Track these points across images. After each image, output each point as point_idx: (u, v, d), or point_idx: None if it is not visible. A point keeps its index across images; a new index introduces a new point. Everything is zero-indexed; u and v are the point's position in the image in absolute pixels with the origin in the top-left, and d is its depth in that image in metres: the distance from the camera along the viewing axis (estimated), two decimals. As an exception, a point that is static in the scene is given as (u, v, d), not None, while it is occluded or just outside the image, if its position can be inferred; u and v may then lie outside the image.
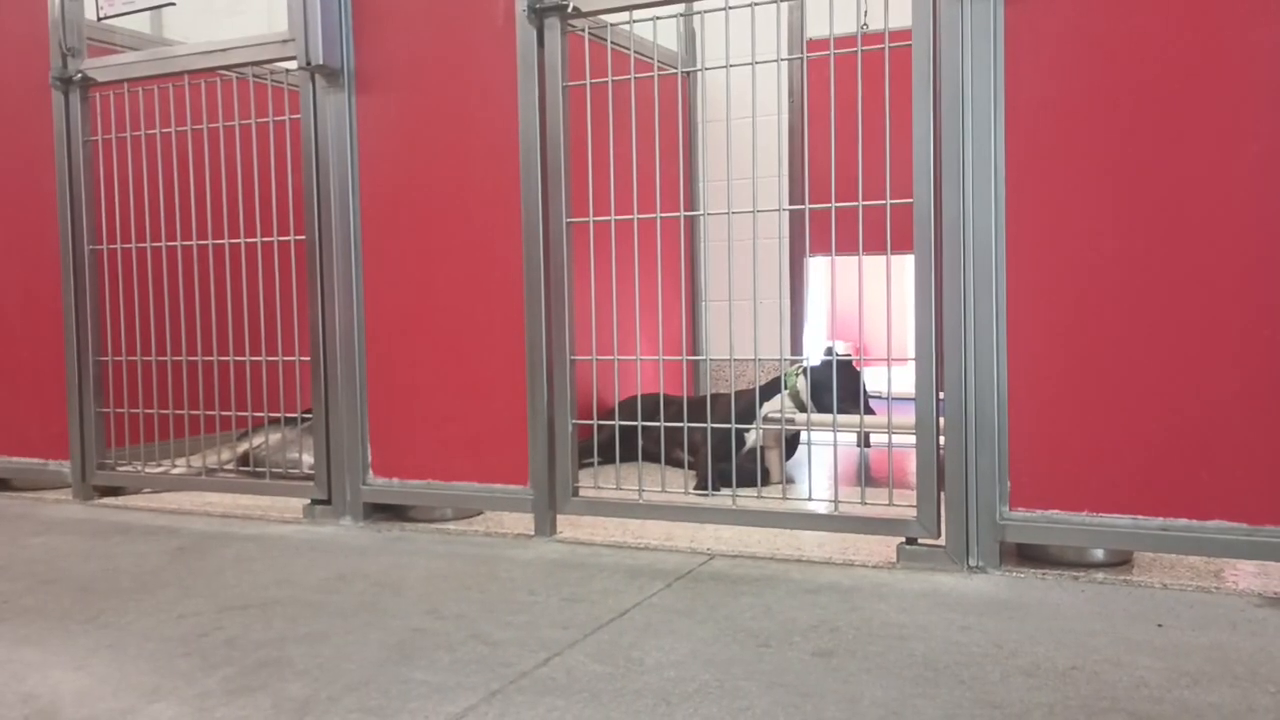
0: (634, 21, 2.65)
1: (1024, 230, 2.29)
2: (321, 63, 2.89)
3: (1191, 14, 2.13)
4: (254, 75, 3.20)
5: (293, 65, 3.01)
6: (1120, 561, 2.35)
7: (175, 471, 3.41)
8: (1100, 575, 2.27)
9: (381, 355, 2.98)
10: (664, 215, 2.69)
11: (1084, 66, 2.22)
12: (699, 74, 4.59)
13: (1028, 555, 2.39)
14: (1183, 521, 2.18)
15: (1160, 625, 1.94)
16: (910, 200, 2.35)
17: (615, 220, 2.71)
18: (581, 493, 2.77)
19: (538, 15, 2.68)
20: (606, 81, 2.72)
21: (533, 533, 2.79)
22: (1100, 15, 2.20)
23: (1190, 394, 2.17)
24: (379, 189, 2.96)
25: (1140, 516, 2.21)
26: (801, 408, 3.45)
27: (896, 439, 2.51)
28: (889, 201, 2.40)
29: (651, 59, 3.35)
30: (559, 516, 2.81)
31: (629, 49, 2.73)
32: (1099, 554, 2.33)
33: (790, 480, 3.53)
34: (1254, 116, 2.09)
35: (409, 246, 2.93)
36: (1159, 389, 2.19)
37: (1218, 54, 2.11)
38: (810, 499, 2.88)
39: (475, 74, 2.81)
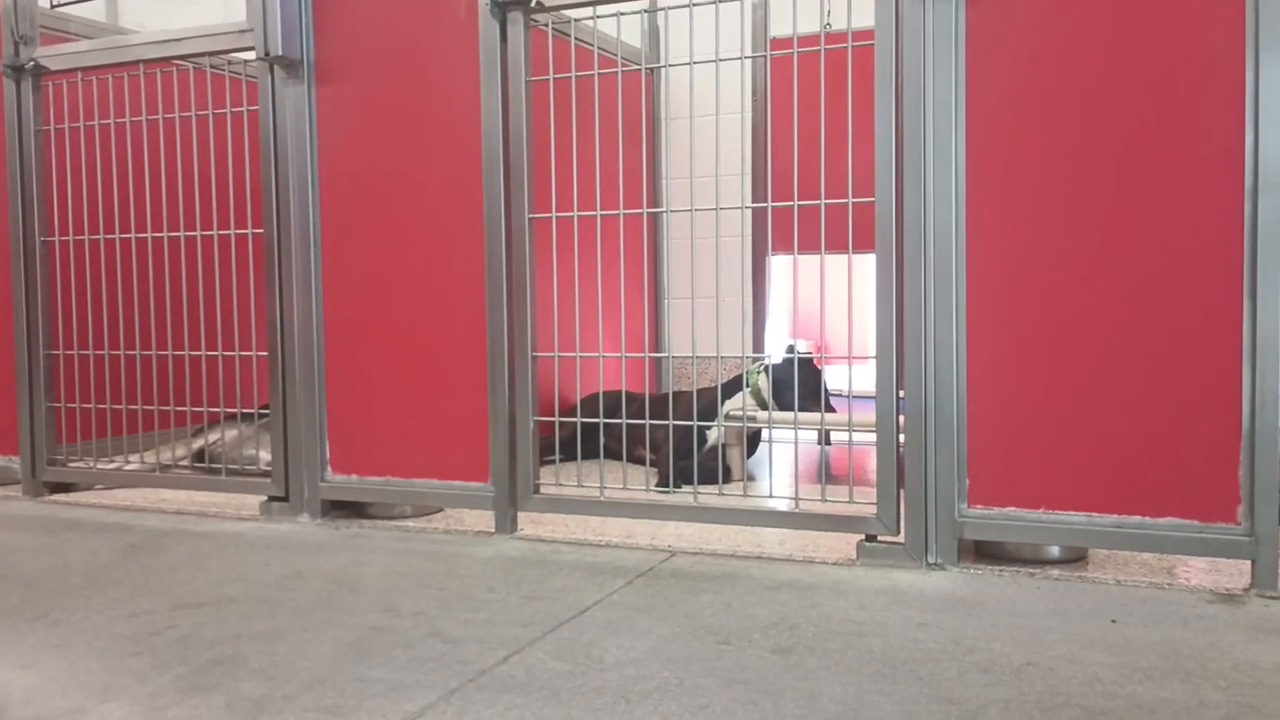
0: (598, 17, 2.64)
1: (983, 230, 2.31)
2: (281, 53, 2.85)
3: (1146, 17, 2.16)
4: (211, 65, 3.15)
5: (251, 56, 2.96)
6: (1075, 558, 2.38)
7: (129, 468, 3.35)
8: (1056, 572, 2.30)
9: (341, 351, 2.95)
10: (627, 212, 2.69)
11: (1042, 67, 2.24)
12: (663, 71, 4.59)
13: (985, 552, 2.41)
14: (1136, 519, 2.21)
15: (1114, 621, 1.97)
16: (872, 199, 2.36)
17: (578, 216, 2.70)
18: (543, 490, 2.76)
19: (501, 9, 2.66)
20: (570, 77, 2.71)
21: (493, 530, 2.77)
22: (1058, 18, 2.22)
23: (1146, 394, 2.19)
24: (339, 182, 2.93)
25: (1095, 514, 2.24)
26: (763, 405, 3.46)
27: (857, 437, 2.53)
28: (851, 200, 2.41)
29: (615, 55, 3.34)
30: (520, 514, 2.79)
31: (593, 45, 2.72)
32: (1055, 551, 2.36)
33: (751, 478, 3.54)
34: (1208, 118, 2.12)
35: (369, 241, 2.90)
36: (1116, 388, 2.22)
37: (1172, 58, 2.14)
38: (771, 496, 2.88)
39: (438, 67, 2.78)
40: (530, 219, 2.70)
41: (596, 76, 2.66)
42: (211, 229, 3.22)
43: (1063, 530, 2.27)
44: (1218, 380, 2.14)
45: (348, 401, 2.95)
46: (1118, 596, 2.13)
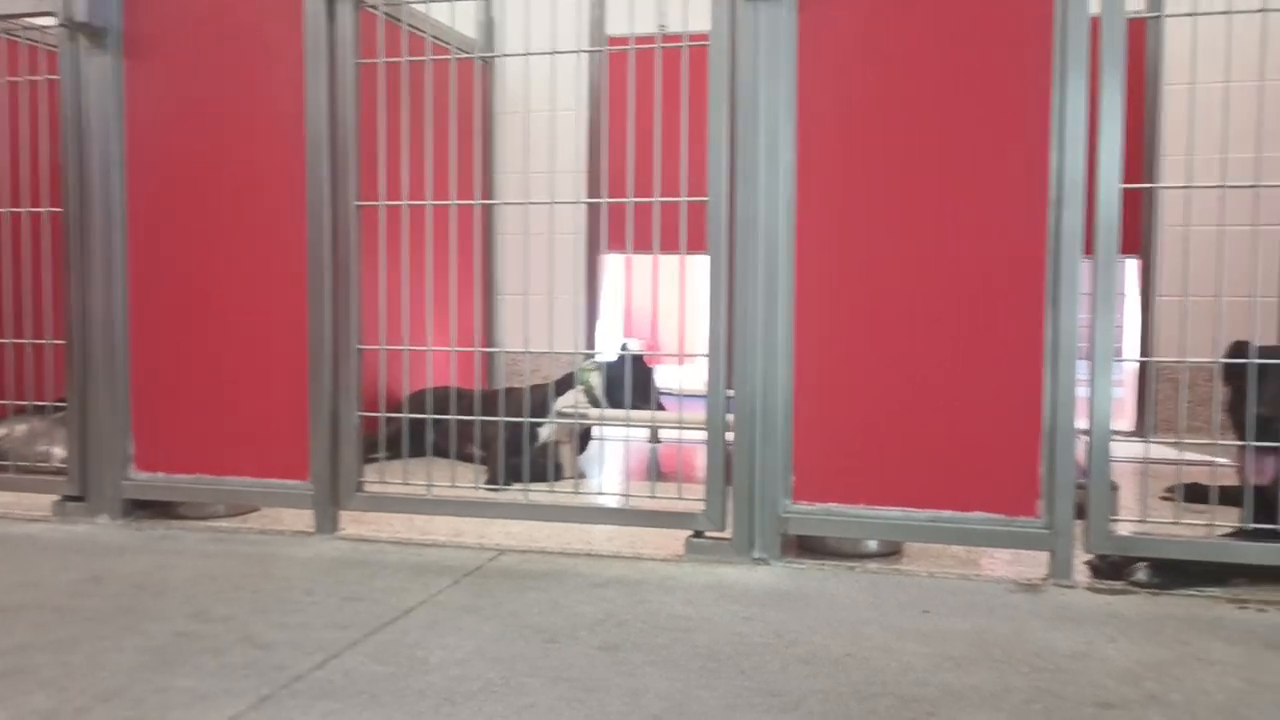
0: (431, 2, 2.56)
1: (812, 233, 2.37)
2: (85, 20, 2.65)
3: (964, 34, 2.26)
4: (5, 31, 2.90)
5: (51, 22, 2.74)
6: (892, 552, 2.47)
7: (-99, 465, 3.05)
8: (874, 565, 2.38)
9: (147, 340, 2.76)
10: (459, 203, 2.63)
11: (868, 75, 2.32)
12: (498, 63, 4.52)
13: (808, 547, 2.48)
14: (948, 513, 2.31)
15: (927, 612, 2.05)
16: (705, 199, 2.38)
17: (408, 205, 2.62)
18: (366, 488, 2.67)
19: (329, -13, 2.55)
20: (401, 61, 2.62)
21: (313, 530, 2.66)
22: (883, 28, 2.30)
23: (958, 394, 2.30)
24: (150, 161, 2.74)
25: (911, 509, 2.33)
26: (595, 403, 3.46)
27: (687, 435, 2.55)
28: (685, 199, 2.43)
29: (448, 44, 3.27)
30: (342, 512, 2.69)
31: (425, 32, 2.65)
32: (873, 545, 2.45)
33: (582, 475, 3.53)
34: (1019, 133, 2.24)
35: (182, 224, 2.73)
36: (931, 389, 2.31)
37: (988, 73, 2.25)
38: (601, 493, 2.88)
39: (261, 45, 2.65)
40: (357, 206, 2.61)
41: (429, 63, 2.58)
42: (2, 206, 2.96)
43: (881, 525, 2.35)
44: (1022, 382, 2.26)
45: (155, 394, 2.77)
46: (930, 588, 2.22)
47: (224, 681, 1.65)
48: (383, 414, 2.76)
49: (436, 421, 3.45)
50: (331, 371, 2.63)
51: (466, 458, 3.58)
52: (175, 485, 2.76)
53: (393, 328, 2.72)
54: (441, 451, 3.53)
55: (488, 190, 4.53)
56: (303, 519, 2.73)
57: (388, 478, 2.68)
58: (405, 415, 2.76)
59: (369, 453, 3.02)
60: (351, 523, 2.73)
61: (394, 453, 3.30)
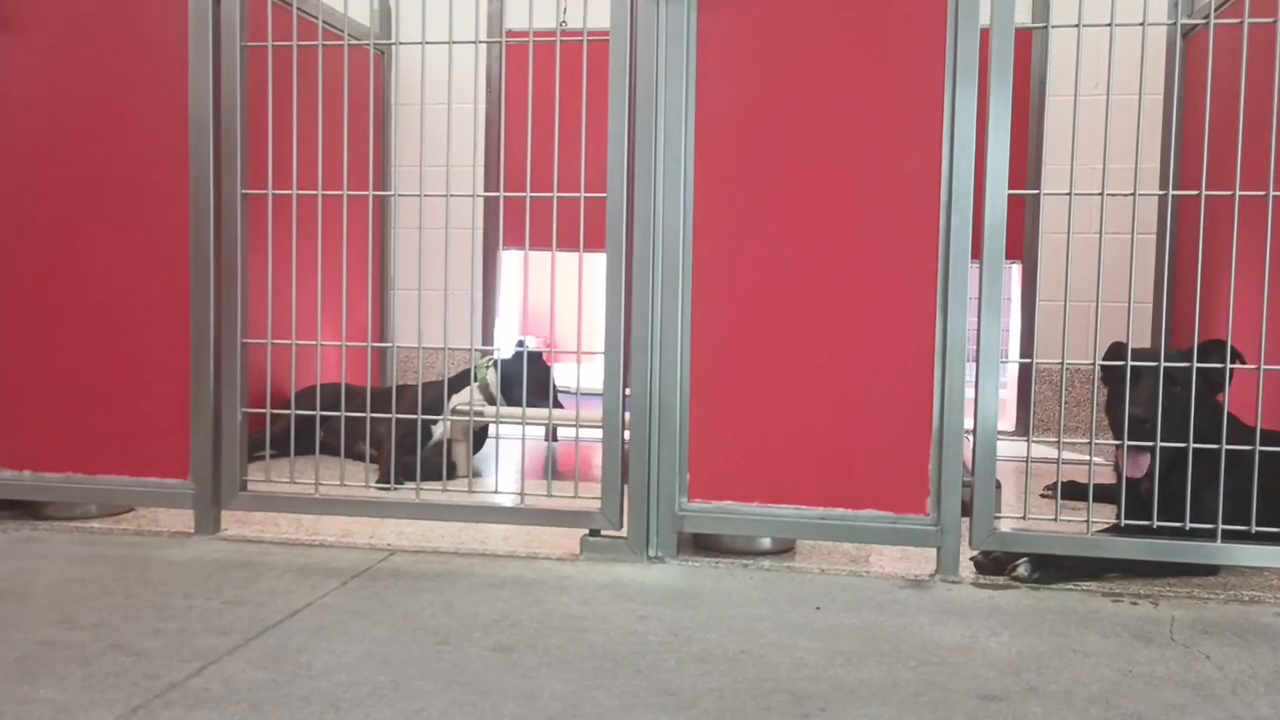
0: (324, -14, 2.49)
1: (709, 232, 2.37)
2: (-53, -9, 2.49)
3: (861, 37, 2.29)
4: None
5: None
6: (785, 549, 2.50)
7: None
8: (767, 563, 2.40)
9: (10, 331, 2.61)
10: (351, 193, 2.55)
11: (767, 76, 2.33)
12: (393, 52, 4.43)
13: (703, 545, 2.48)
14: (839, 511, 2.35)
15: (818, 608, 2.08)
16: (604, 195, 2.37)
17: (297, 195, 2.54)
18: (250, 487, 2.57)
19: (215, -33, 2.45)
20: (291, 46, 2.54)
21: (193, 530, 2.56)
22: (782, 30, 2.32)
23: (850, 394, 2.33)
24: (14, 139, 2.59)
25: (804, 507, 2.36)
26: (491, 401, 3.41)
27: (584, 433, 2.53)
28: (583, 195, 2.40)
29: (341, 30, 3.18)
30: (224, 512, 2.59)
31: (317, 18, 2.57)
32: (767, 543, 2.47)
33: (477, 474, 3.47)
34: (913, 137, 2.28)
35: (52, 208, 2.58)
36: (824, 388, 2.34)
37: (885, 78, 2.29)
38: (497, 492, 2.84)
39: (141, 24, 2.53)
40: (243, 194, 2.51)
41: (320, 48, 2.51)
42: None
43: (775, 523, 2.37)
44: (913, 383, 2.31)
45: (20, 387, 2.62)
46: (822, 584, 2.25)
47: (91, 692, 1.56)
48: (269, 410, 2.67)
49: (325, 419, 3.36)
50: (214, 366, 2.53)
51: (357, 456, 3.49)
52: (43, 484, 2.62)
53: (280, 321, 2.63)
54: (331, 450, 3.43)
55: (382, 183, 4.43)
56: (182, 519, 2.62)
57: (274, 476, 2.59)
58: (293, 412, 2.67)
59: (254, 451, 2.92)
60: (235, 523, 2.63)
61: (280, 451, 3.19)
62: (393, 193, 2.77)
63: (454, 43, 2.46)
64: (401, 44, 2.62)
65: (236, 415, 2.54)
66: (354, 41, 3.12)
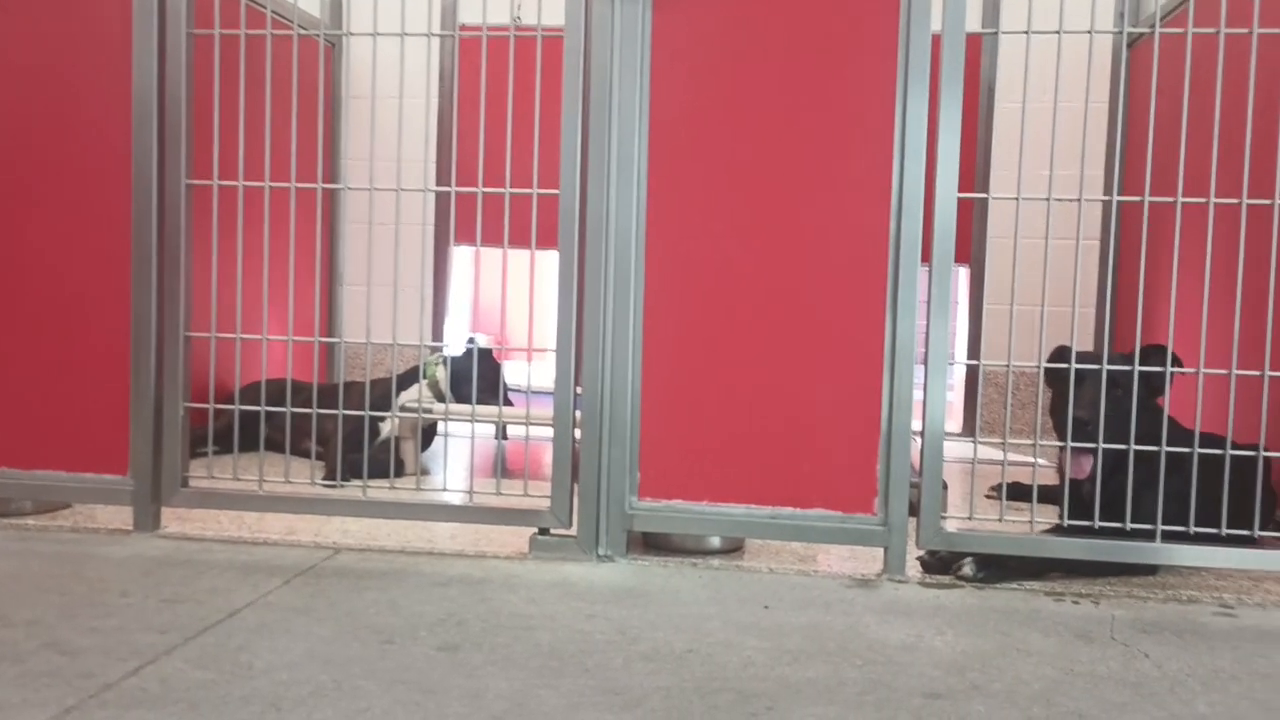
0: (274, -26, 2.45)
1: (662, 231, 2.37)
2: (-121, -32, 2.41)
3: (814, 44, 2.30)
4: None
5: None
6: (734, 548, 2.50)
7: None
8: (716, 562, 2.40)
9: (-53, 322, 2.54)
10: (299, 185, 2.51)
11: (722, 77, 2.34)
12: (344, 44, 4.37)
13: (653, 544, 2.48)
14: (788, 510, 2.36)
15: (767, 607, 2.08)
16: (557, 191, 2.35)
17: (244, 186, 2.49)
18: (192, 483, 2.52)
19: (161, -48, 2.40)
20: (239, 34, 2.49)
21: (131, 528, 2.50)
22: (737, 32, 2.32)
23: (801, 395, 2.34)
24: (-48, 127, 2.52)
25: (753, 506, 2.36)
26: (440, 398, 3.38)
27: (534, 431, 2.51)
28: (536, 191, 2.39)
29: (291, 20, 3.13)
30: (165, 509, 2.54)
31: (265, 6, 2.52)
32: (716, 542, 2.47)
33: (425, 472, 3.44)
34: (865, 143, 2.30)
35: (-11, 197, 2.52)
36: (775, 389, 2.35)
37: (838, 83, 2.30)
38: (445, 490, 2.81)
39: (83, 8, 2.46)
40: (187, 185, 2.46)
41: (269, 38, 2.46)
42: None
43: (724, 521, 2.37)
44: (863, 384, 2.32)
45: (-46, 381, 2.55)
46: (770, 583, 2.26)
47: (24, 691, 1.52)
48: (212, 405, 2.62)
49: (270, 415, 3.30)
50: (156, 359, 2.48)
51: (303, 453, 3.44)
52: (-25, 480, 2.55)
53: (225, 315, 2.58)
54: (276, 447, 3.38)
55: (331, 176, 4.37)
56: (121, 516, 2.56)
57: (216, 473, 2.54)
58: (237, 407, 2.63)
59: (197, 447, 2.86)
60: (175, 520, 2.58)
61: (224, 447, 3.14)
62: (342, 185, 2.73)
63: (406, 35, 2.43)
64: (352, 35, 2.58)
65: (178, 410, 2.49)
66: (303, 31, 3.07)
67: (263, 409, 2.67)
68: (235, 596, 2.02)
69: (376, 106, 2.73)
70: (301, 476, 2.59)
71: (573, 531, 2.40)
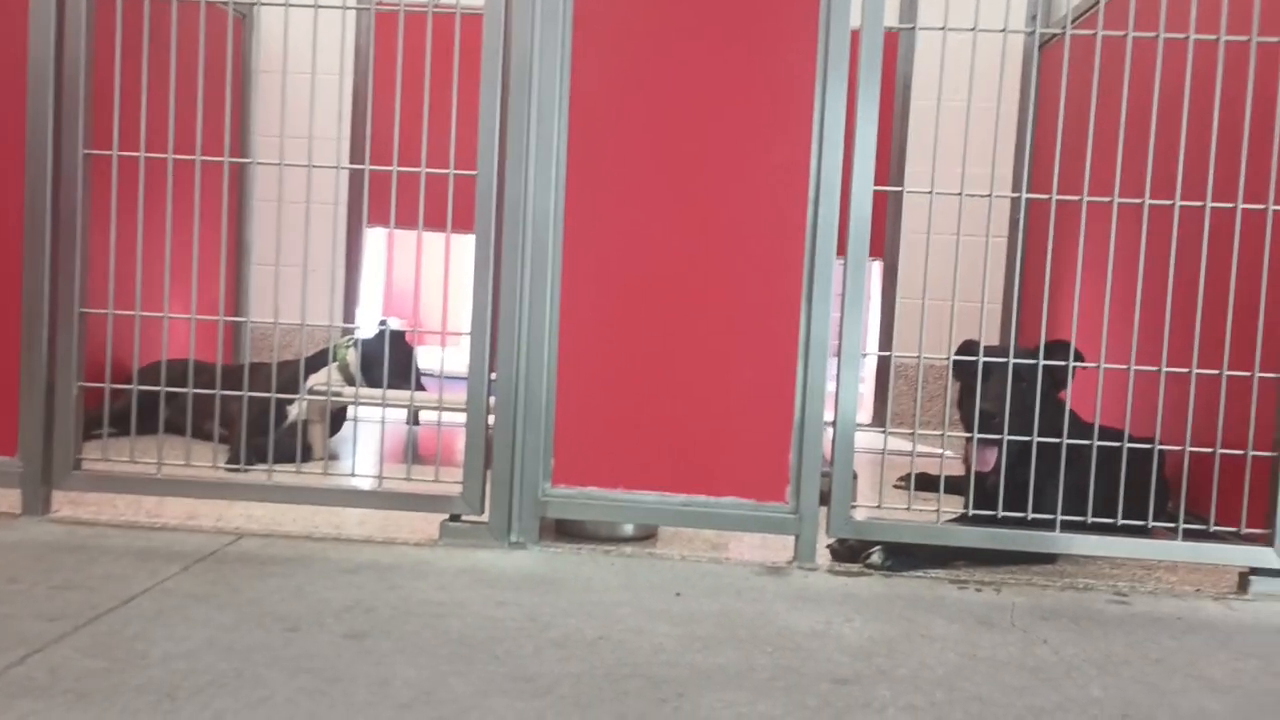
0: (181, -62, 2.35)
1: (581, 216, 2.35)
2: None
3: (735, 30, 2.31)
4: None
5: None
6: (647, 536, 2.50)
7: None
8: (629, 549, 2.40)
9: None
10: (204, 159, 2.42)
11: (643, 61, 2.32)
12: (255, 15, 4.24)
13: (565, 531, 2.47)
14: (701, 498, 2.36)
15: (678, 594, 2.08)
16: (474, 172, 2.32)
17: (145, 157, 2.40)
18: (85, 466, 2.43)
19: (60, -91, 2.29)
20: (142, 1, 2.39)
21: (20, 511, 2.40)
22: (659, 17, 2.31)
23: (715, 383, 2.35)
24: None
25: (666, 493, 2.37)
26: (350, 381, 3.31)
27: (447, 417, 2.48)
28: (453, 172, 2.34)
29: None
30: (56, 492, 2.44)
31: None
32: (629, 529, 2.47)
33: (334, 456, 3.37)
34: (784, 128, 2.31)
35: None
36: (690, 377, 2.35)
37: (758, 71, 2.31)
38: (354, 475, 2.76)
39: (-27, -36, 2.34)
40: (85, 155, 2.36)
41: (175, 6, 2.37)
42: None
43: (637, 509, 2.37)
44: (777, 374, 2.34)
45: None
46: (682, 571, 2.26)
47: (-102, 683, 1.44)
48: (108, 385, 2.52)
49: (171, 396, 3.19)
50: (48, 336, 2.37)
51: (205, 436, 3.33)
52: None
53: (124, 291, 2.48)
54: (177, 429, 3.27)
55: (240, 150, 4.24)
56: (8, 499, 2.45)
57: (112, 455, 2.45)
58: (135, 388, 2.53)
59: (92, 429, 2.76)
60: (67, 504, 2.48)
61: (121, 429, 3.02)
62: (251, 160, 2.65)
63: (320, 6, 2.36)
64: (263, 5, 2.50)
65: (71, 390, 2.39)
66: (212, 1, 2.97)
67: (163, 389, 2.57)
68: (131, 583, 1.94)
69: (289, 81, 2.65)
70: (203, 460, 2.51)
71: (484, 518, 2.37)
